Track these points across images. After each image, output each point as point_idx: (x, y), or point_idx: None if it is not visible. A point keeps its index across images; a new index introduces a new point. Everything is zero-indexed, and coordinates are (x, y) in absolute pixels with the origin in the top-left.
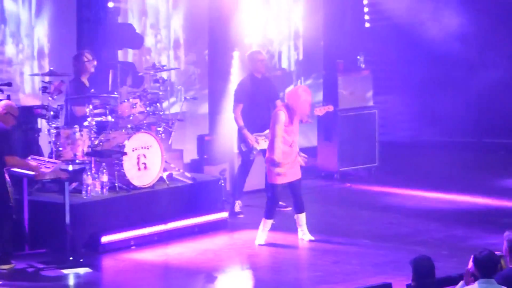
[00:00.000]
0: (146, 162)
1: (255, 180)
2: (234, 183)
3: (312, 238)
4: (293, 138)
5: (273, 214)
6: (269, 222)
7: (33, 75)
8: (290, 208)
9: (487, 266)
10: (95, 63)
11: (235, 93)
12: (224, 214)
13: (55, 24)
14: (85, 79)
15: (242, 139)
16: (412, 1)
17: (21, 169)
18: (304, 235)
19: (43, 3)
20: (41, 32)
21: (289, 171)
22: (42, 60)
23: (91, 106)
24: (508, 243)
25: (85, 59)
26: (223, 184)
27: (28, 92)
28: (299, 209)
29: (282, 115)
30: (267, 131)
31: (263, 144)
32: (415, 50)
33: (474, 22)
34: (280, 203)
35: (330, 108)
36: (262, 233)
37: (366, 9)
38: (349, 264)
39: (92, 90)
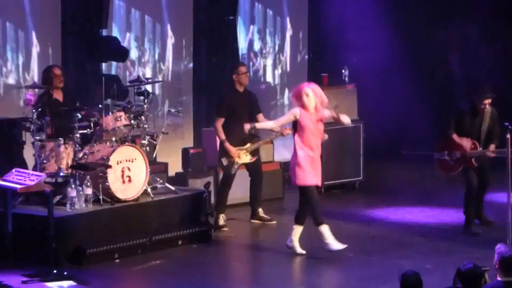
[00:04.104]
0: (130, 175)
1: (238, 194)
2: (216, 196)
3: (303, 252)
4: (315, 141)
5: (305, 219)
6: (300, 228)
7: (17, 87)
8: (275, 222)
9: (470, 279)
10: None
11: (217, 106)
12: (208, 227)
13: (40, 37)
14: (57, 94)
15: (223, 152)
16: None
17: None
18: (296, 248)
19: (28, 15)
20: (26, 44)
21: (317, 176)
22: (26, 73)
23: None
24: (498, 256)
25: (52, 75)
26: (207, 197)
27: (12, 104)
28: (300, 220)
29: (297, 110)
30: (248, 145)
31: (244, 158)
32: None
33: (464, 37)
34: (265, 216)
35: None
36: (297, 241)
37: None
38: (333, 277)
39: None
